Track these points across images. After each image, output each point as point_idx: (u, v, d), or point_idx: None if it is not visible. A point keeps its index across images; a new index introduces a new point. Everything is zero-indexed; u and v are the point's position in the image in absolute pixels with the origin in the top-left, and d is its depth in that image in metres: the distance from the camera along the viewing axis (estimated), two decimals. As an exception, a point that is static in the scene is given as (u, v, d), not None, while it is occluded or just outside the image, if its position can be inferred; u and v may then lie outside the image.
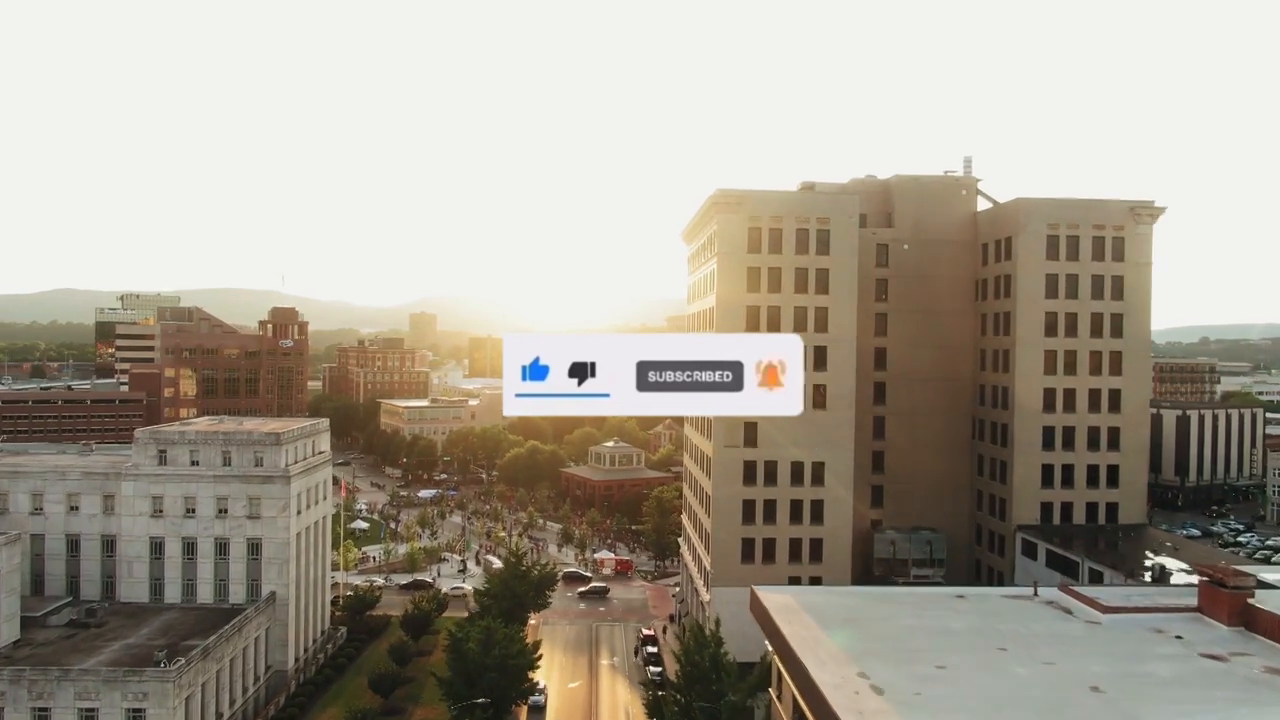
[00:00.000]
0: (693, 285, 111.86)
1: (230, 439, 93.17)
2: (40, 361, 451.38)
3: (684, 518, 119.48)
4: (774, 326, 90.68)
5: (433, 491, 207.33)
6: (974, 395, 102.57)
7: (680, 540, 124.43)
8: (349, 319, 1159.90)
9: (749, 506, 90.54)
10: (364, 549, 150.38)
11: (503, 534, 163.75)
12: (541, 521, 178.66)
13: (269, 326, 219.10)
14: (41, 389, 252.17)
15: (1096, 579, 78.49)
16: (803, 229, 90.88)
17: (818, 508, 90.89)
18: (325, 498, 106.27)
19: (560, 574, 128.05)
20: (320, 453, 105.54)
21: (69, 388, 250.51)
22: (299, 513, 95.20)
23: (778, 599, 59.20)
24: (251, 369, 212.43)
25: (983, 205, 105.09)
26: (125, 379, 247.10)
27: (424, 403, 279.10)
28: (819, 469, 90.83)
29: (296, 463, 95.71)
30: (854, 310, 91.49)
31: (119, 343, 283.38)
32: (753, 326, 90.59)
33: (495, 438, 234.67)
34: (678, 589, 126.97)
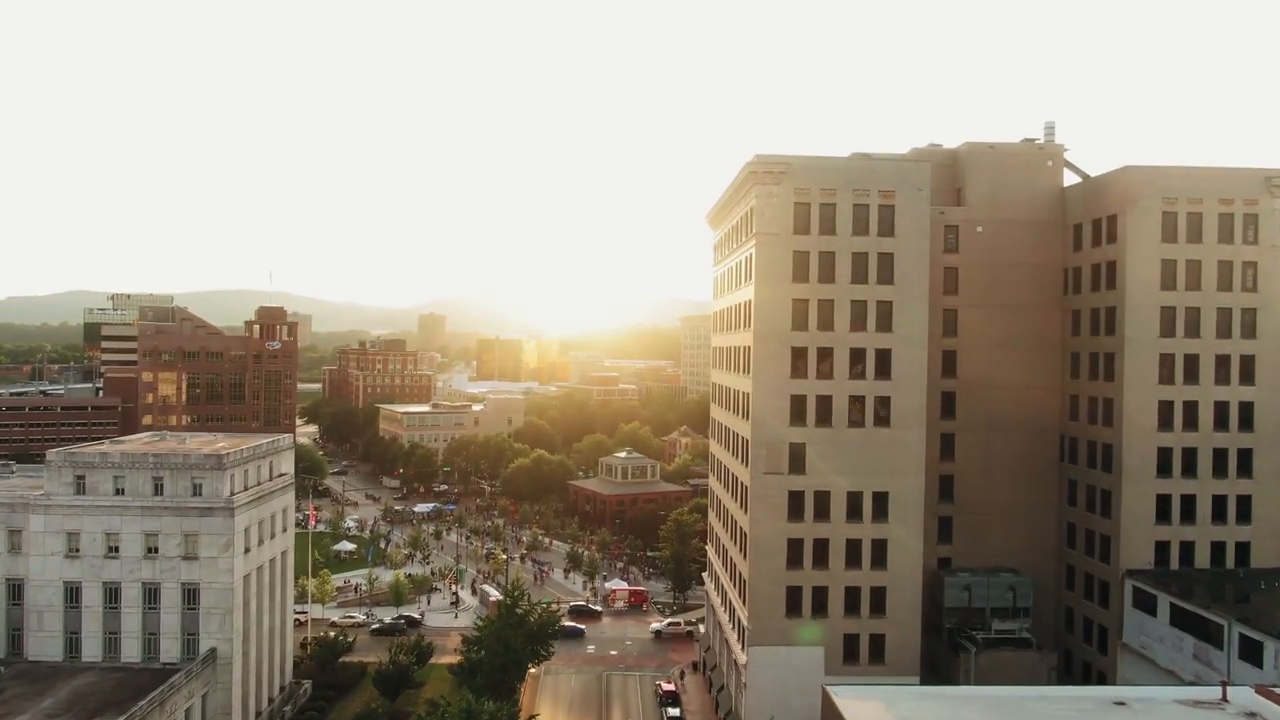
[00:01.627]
0: (721, 276, 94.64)
1: (162, 462, 77.02)
2: (41, 364, 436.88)
3: (710, 550, 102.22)
4: (826, 324, 73.53)
5: (430, 505, 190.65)
6: (1064, 408, 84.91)
7: (705, 575, 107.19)
8: (360, 320, 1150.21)
9: (795, 547, 73.49)
10: (346, 576, 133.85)
11: (503, 556, 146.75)
12: (547, 541, 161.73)
13: (255, 327, 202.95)
14: (12, 394, 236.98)
15: (1251, 651, 60.91)
16: (861, 204, 73.70)
17: (879, 548, 73.78)
18: (285, 529, 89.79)
19: (565, 610, 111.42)
20: (281, 475, 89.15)
21: (43, 393, 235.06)
22: (247, 550, 79.04)
23: (864, 709, 42.40)
24: (237, 372, 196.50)
25: (1070, 180, 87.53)
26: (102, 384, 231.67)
27: (424, 408, 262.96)
28: (881, 501, 73.72)
29: (245, 490, 79.48)
30: (925, 304, 74.44)
31: (105, 345, 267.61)
32: (800, 324, 73.48)
33: (499, 446, 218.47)
34: (701, 628, 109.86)
